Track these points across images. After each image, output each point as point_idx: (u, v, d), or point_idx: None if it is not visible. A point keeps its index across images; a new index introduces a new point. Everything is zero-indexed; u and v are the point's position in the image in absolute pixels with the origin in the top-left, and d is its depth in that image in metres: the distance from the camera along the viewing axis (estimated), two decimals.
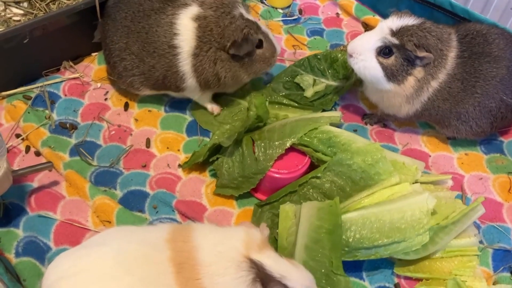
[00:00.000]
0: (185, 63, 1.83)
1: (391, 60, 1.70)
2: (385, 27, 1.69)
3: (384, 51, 1.70)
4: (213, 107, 2.02)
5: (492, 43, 1.79)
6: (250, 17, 1.83)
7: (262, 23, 1.88)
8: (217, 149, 1.81)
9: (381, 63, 1.70)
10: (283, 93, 2.04)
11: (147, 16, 1.87)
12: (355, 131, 2.00)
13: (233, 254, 1.23)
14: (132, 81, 1.93)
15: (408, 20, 1.70)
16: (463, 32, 1.81)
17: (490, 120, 1.82)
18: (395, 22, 1.70)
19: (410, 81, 1.73)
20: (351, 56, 1.75)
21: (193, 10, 1.82)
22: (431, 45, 1.68)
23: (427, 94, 1.77)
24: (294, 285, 1.24)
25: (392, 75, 1.71)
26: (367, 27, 2.43)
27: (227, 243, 1.25)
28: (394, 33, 1.68)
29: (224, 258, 1.22)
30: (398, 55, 1.69)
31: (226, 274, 1.20)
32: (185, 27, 1.81)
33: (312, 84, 2.04)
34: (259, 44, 1.83)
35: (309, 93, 2.02)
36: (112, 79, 2.09)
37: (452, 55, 1.74)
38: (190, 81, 1.87)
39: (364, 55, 1.71)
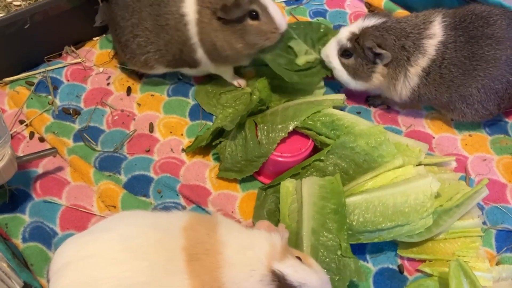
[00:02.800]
0: (193, 32, 1.81)
1: (351, 61, 1.84)
2: (345, 31, 1.84)
3: (344, 53, 1.85)
4: (238, 81, 2.01)
5: (493, 25, 1.77)
6: None
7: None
8: (220, 133, 1.81)
9: (342, 63, 1.86)
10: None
11: None
12: (358, 113, 2.00)
13: (257, 265, 1.22)
14: (147, 58, 1.91)
15: (370, 21, 1.79)
16: (459, 18, 1.80)
17: (497, 102, 1.82)
18: (359, 24, 1.82)
19: (377, 77, 1.83)
20: (324, 61, 1.92)
21: None
22: (388, 44, 1.75)
23: (413, 81, 1.81)
24: None
25: (355, 74, 1.85)
26: (370, 7, 2.40)
27: (252, 251, 1.25)
28: (354, 36, 1.80)
29: (249, 266, 1.22)
30: (357, 55, 1.82)
31: (248, 281, 1.21)
32: None
33: (304, 53, 2.01)
34: (255, 16, 1.76)
35: (301, 60, 1.98)
36: (115, 64, 2.09)
37: (433, 42, 1.76)
38: (200, 52, 1.85)
39: (329, 58, 1.89)
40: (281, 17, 1.80)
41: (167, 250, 1.23)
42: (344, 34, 1.84)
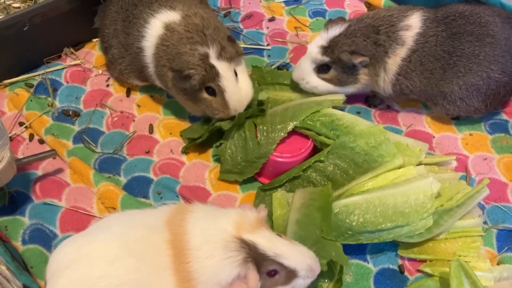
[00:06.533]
0: (151, 66, 1.80)
1: (331, 73, 1.82)
2: (314, 47, 1.81)
3: (321, 68, 1.82)
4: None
5: (473, 23, 1.79)
6: (221, 63, 1.66)
7: (243, 75, 1.73)
8: (220, 135, 1.80)
9: (324, 79, 1.84)
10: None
11: (134, 5, 1.83)
12: (358, 113, 1.99)
13: (221, 235, 1.22)
14: (121, 69, 1.92)
15: (335, 30, 1.79)
16: (441, 14, 1.83)
17: (482, 98, 1.82)
18: (324, 36, 1.81)
19: (363, 77, 1.83)
20: (299, 83, 1.88)
21: (171, 16, 1.75)
22: (362, 48, 1.76)
23: (391, 73, 1.81)
24: (290, 263, 1.23)
25: (341, 82, 1.84)
26: (370, 6, 2.40)
27: (216, 225, 1.24)
28: (325, 49, 1.79)
29: (212, 240, 1.22)
30: (336, 66, 1.81)
31: (214, 256, 1.19)
32: (152, 31, 1.75)
33: None
34: (211, 92, 1.69)
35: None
36: None
37: (410, 33, 1.78)
38: (156, 81, 1.85)
39: (306, 78, 1.85)
40: (237, 103, 1.70)
41: (154, 246, 1.23)
42: (315, 50, 1.80)
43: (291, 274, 1.25)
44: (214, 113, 1.73)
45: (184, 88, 1.70)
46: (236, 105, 1.70)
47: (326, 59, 1.79)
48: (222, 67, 1.66)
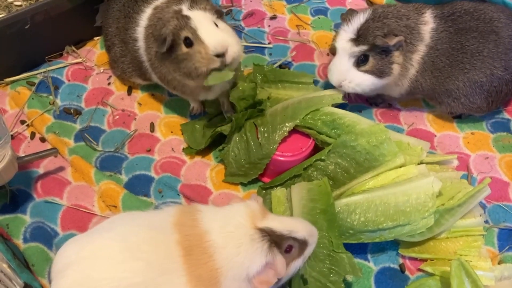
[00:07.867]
0: (144, 57, 1.78)
1: (370, 62, 1.75)
2: (344, 42, 1.74)
3: (360, 61, 1.75)
4: (194, 106, 1.93)
5: (478, 19, 1.79)
6: (193, 11, 1.58)
7: (206, 17, 1.59)
8: (221, 138, 1.80)
9: (365, 71, 1.76)
10: None
11: (135, 1, 1.83)
12: (359, 112, 1.99)
13: (242, 230, 1.26)
14: (123, 68, 1.92)
15: (359, 18, 1.73)
16: (447, 11, 1.82)
17: (484, 95, 1.81)
18: (349, 29, 1.74)
19: (396, 68, 1.76)
20: (340, 86, 1.79)
21: (161, 0, 1.73)
22: (394, 28, 1.71)
23: (413, 70, 1.80)
24: (301, 235, 1.30)
25: (380, 72, 1.75)
26: (372, 4, 2.39)
27: (233, 222, 1.28)
28: (356, 40, 1.72)
29: (235, 237, 1.25)
30: (373, 54, 1.73)
31: (241, 252, 1.23)
32: (144, 17, 1.75)
33: None
34: (189, 43, 1.56)
35: None
36: None
37: (427, 28, 1.77)
38: (154, 77, 1.82)
39: (348, 77, 1.77)
40: (215, 41, 1.53)
41: (163, 247, 1.24)
42: (347, 45, 1.74)
43: (303, 245, 1.31)
44: (198, 66, 1.55)
45: (167, 58, 1.61)
46: (216, 44, 1.53)
47: (363, 47, 1.71)
48: (194, 13, 1.57)
